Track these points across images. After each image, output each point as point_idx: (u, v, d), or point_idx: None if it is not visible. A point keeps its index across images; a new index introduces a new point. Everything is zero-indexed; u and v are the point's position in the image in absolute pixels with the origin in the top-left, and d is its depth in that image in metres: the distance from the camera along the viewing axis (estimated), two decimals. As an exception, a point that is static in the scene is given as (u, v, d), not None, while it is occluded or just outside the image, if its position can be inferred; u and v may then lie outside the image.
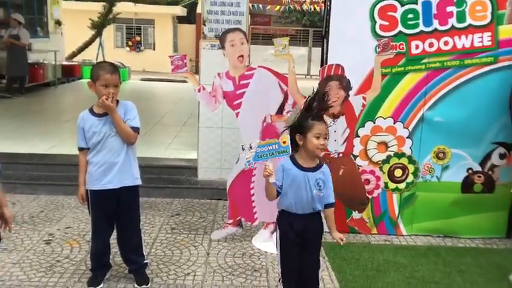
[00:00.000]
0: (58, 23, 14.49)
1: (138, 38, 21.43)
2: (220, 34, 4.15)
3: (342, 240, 2.86)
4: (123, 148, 3.15)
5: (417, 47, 4.08)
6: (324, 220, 2.92)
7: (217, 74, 4.01)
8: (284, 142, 2.69)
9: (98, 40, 16.82)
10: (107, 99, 2.99)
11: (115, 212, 3.23)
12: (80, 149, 3.17)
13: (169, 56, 3.84)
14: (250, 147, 2.66)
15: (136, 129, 3.16)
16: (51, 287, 3.25)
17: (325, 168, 2.86)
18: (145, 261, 3.44)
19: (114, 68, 3.10)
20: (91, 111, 3.15)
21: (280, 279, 2.96)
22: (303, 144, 2.79)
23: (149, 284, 3.32)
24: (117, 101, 3.10)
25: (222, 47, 3.99)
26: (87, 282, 3.28)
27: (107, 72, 3.03)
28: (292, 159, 2.82)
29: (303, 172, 2.78)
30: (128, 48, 21.18)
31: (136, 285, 3.30)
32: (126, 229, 3.31)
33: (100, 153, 3.11)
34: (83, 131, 3.12)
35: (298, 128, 2.82)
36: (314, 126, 2.74)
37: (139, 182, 3.28)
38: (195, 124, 5.62)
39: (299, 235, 2.84)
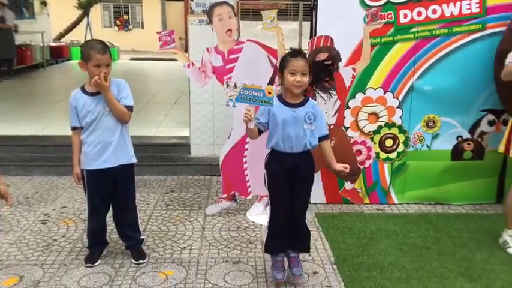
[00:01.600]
0: (43, 3, 14.27)
1: (126, 17, 21.14)
2: (207, 9, 4.11)
3: (346, 168, 2.89)
4: (118, 127, 3.14)
5: (405, 16, 4.07)
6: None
7: (206, 49, 3.98)
8: (269, 93, 2.64)
9: (85, 20, 16.58)
10: (99, 79, 2.96)
11: (111, 191, 3.25)
12: (73, 129, 3.16)
13: (157, 32, 3.80)
14: (235, 86, 2.63)
15: (130, 108, 3.15)
16: (49, 265, 3.29)
17: (312, 101, 2.87)
18: (142, 237, 3.48)
19: (105, 47, 3.05)
20: (83, 90, 3.12)
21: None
22: (282, 82, 2.81)
23: (146, 259, 3.36)
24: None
25: (210, 21, 3.95)
26: (84, 260, 3.32)
27: (97, 52, 2.99)
28: (279, 96, 2.83)
29: (289, 108, 2.79)
30: (116, 28, 20.91)
31: (133, 261, 3.34)
32: (122, 207, 3.33)
33: (94, 133, 3.10)
34: (75, 110, 3.10)
35: (279, 65, 2.86)
36: (289, 62, 2.73)
37: (134, 160, 3.29)
38: (186, 102, 5.62)
39: (288, 174, 2.86)
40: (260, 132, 2.83)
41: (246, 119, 2.70)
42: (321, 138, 2.91)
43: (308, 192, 3.01)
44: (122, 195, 3.29)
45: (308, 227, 3.10)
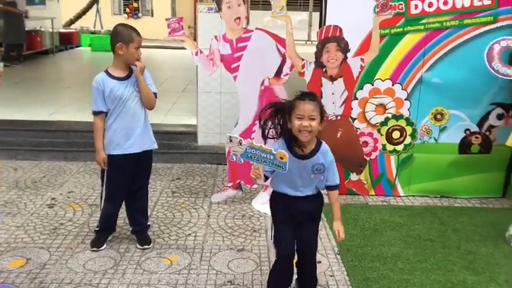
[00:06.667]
0: (54, -11, 14.25)
1: (135, 5, 21.07)
2: (217, -4, 4.10)
3: (340, 236, 2.64)
4: (142, 112, 3.18)
5: (416, 7, 4.04)
6: (324, 199, 2.72)
7: (215, 36, 3.98)
8: (281, 158, 2.33)
9: (95, 7, 16.58)
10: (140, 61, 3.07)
11: (132, 176, 3.26)
12: (97, 113, 3.12)
13: (166, 19, 3.80)
14: (240, 143, 2.37)
15: (155, 95, 3.21)
16: (55, 248, 3.33)
17: (324, 149, 2.55)
18: (148, 223, 3.52)
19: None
20: (109, 74, 3.11)
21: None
22: (291, 127, 2.50)
23: (151, 245, 3.40)
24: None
25: (219, 9, 3.94)
26: (90, 244, 3.35)
27: (137, 34, 3.08)
28: (287, 143, 2.53)
29: (297, 160, 2.50)
30: (125, 15, 20.86)
31: (138, 246, 3.38)
32: (137, 190, 3.35)
33: (120, 118, 3.11)
34: (102, 94, 3.08)
35: (288, 109, 2.53)
36: (296, 106, 2.46)
37: (156, 146, 3.33)
38: (194, 90, 5.62)
39: (292, 217, 2.64)
40: (266, 178, 2.55)
41: (254, 176, 2.43)
42: (330, 187, 2.64)
43: (315, 233, 2.74)
44: (139, 179, 3.32)
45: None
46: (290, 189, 2.60)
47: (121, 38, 3.05)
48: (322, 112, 2.49)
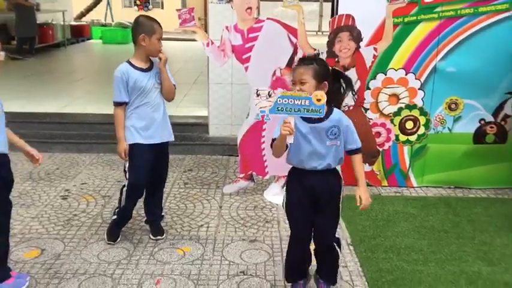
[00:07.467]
0: (65, -18, 14.30)
1: (146, -4, 21.12)
2: (227, -14, 4.08)
3: (361, 202, 2.46)
4: (161, 104, 3.19)
5: (430, -5, 3.98)
6: (342, 180, 2.56)
7: (226, 27, 3.96)
8: (319, 100, 2.14)
9: (105, 0, 16.62)
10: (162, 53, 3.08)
11: (152, 167, 3.24)
12: (119, 104, 3.09)
13: (177, 10, 3.79)
14: (269, 95, 2.18)
15: (175, 86, 3.21)
16: (69, 239, 3.36)
17: (337, 114, 2.43)
18: (162, 214, 3.54)
19: None
20: (132, 65, 3.09)
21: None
22: None
23: (164, 235, 3.41)
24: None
25: (230, -1, 3.92)
26: (106, 237, 3.33)
27: (159, 26, 3.07)
28: None
29: (309, 125, 2.41)
30: (136, 7, 20.90)
31: (151, 237, 3.39)
32: (155, 182, 3.35)
33: (141, 108, 3.10)
34: (126, 85, 3.05)
35: None
36: (293, 71, 2.45)
37: (173, 137, 3.34)
38: (205, 82, 5.61)
39: (310, 196, 2.51)
40: (287, 147, 2.41)
41: (286, 132, 2.23)
42: (351, 151, 2.48)
43: (333, 216, 2.57)
44: (159, 170, 3.32)
45: (338, 252, 2.71)
46: (306, 161, 2.45)
47: (143, 29, 3.02)
48: (320, 75, 2.35)
